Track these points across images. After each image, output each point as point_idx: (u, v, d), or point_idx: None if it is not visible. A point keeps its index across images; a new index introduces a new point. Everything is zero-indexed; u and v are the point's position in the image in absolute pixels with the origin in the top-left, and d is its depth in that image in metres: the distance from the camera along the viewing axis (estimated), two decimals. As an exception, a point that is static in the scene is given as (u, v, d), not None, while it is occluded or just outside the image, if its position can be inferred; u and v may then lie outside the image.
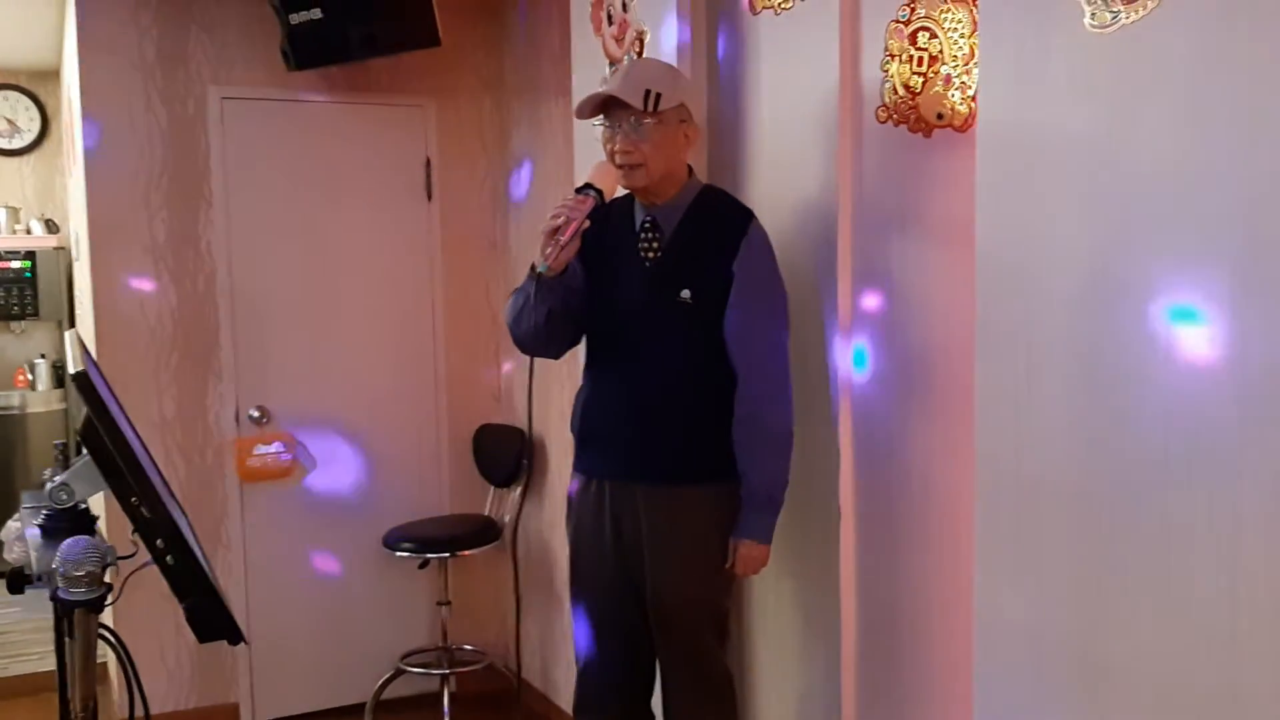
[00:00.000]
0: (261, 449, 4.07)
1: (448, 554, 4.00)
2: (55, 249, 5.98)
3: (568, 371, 3.53)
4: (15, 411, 5.92)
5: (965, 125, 2.14)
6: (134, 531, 1.60)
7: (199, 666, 4.04)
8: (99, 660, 1.68)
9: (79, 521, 1.71)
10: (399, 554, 4.02)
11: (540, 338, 2.50)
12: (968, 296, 2.04)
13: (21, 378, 6.07)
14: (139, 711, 1.75)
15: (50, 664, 1.94)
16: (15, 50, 5.72)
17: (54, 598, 1.57)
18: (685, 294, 2.42)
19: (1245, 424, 1.57)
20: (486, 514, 4.31)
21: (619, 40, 3.04)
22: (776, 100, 2.64)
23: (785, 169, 2.61)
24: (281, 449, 4.10)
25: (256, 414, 4.08)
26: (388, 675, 4.19)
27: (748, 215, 2.47)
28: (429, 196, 4.34)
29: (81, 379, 1.59)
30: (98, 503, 2.59)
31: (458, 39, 4.11)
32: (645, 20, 2.93)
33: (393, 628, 4.29)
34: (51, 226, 6.16)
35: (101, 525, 1.85)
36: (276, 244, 4.10)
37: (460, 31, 4.17)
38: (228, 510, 4.07)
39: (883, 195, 2.36)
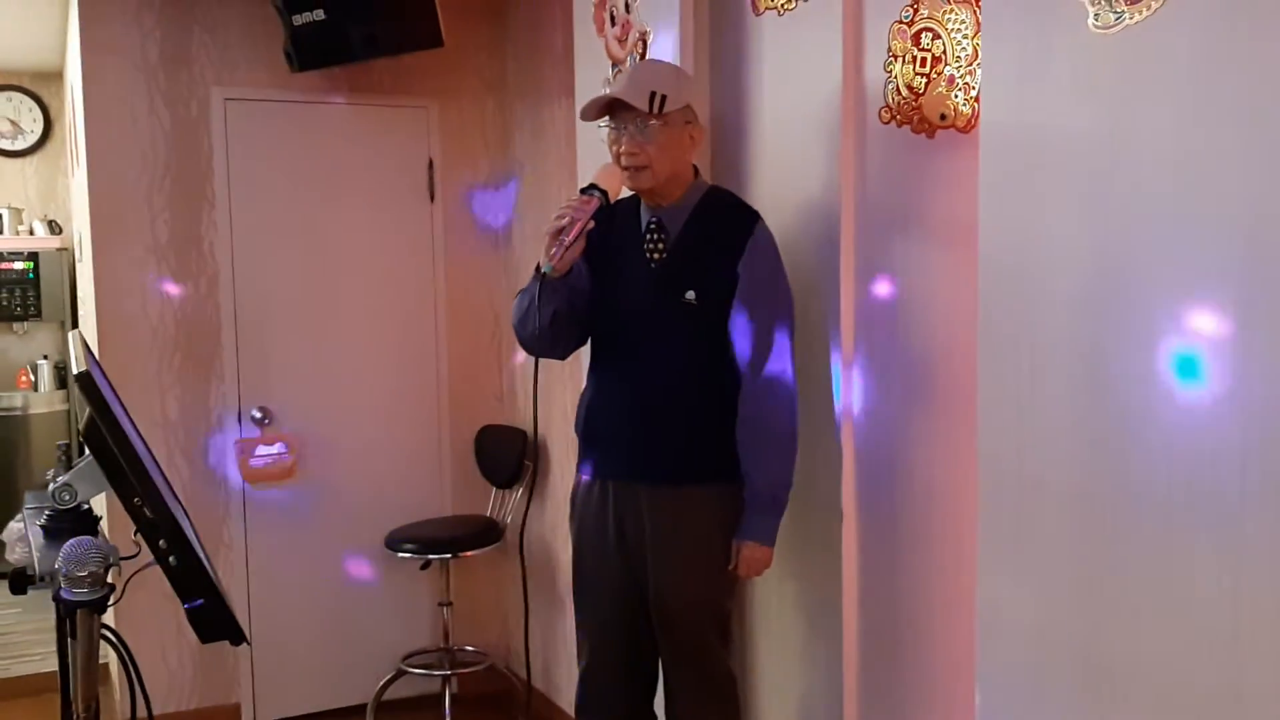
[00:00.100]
0: (264, 450, 4.07)
1: (450, 555, 4.00)
2: (58, 250, 5.99)
3: (569, 372, 3.53)
4: (18, 412, 5.93)
5: (968, 126, 2.14)
6: (136, 532, 1.60)
7: (201, 667, 4.04)
8: (101, 661, 1.68)
9: (81, 522, 1.71)
10: (401, 555, 4.02)
11: (546, 339, 2.50)
12: (970, 297, 2.03)
13: (24, 378, 6.07)
14: (141, 712, 1.75)
15: (52, 664, 1.95)
16: (18, 51, 5.73)
17: (56, 598, 1.57)
18: (690, 295, 2.42)
19: (1247, 425, 1.56)
20: (488, 515, 4.31)
21: (622, 41, 3.04)
22: (779, 101, 2.64)
23: (788, 169, 2.61)
24: (283, 450, 4.10)
25: (259, 415, 4.08)
26: (389, 676, 4.19)
27: (754, 217, 2.47)
28: (431, 198, 4.34)
29: (85, 379, 1.59)
30: (100, 503, 2.59)
31: (460, 40, 4.11)
32: (648, 21, 2.92)
33: (394, 628, 4.29)
34: (54, 228, 6.17)
35: (104, 526, 1.85)
36: (279, 245, 4.10)
37: (463, 32, 4.17)
38: (230, 511, 4.07)
39: (886, 196, 2.35)
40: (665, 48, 2.84)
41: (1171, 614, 1.68)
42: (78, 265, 5.43)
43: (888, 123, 2.32)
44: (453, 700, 4.06)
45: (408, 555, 4.01)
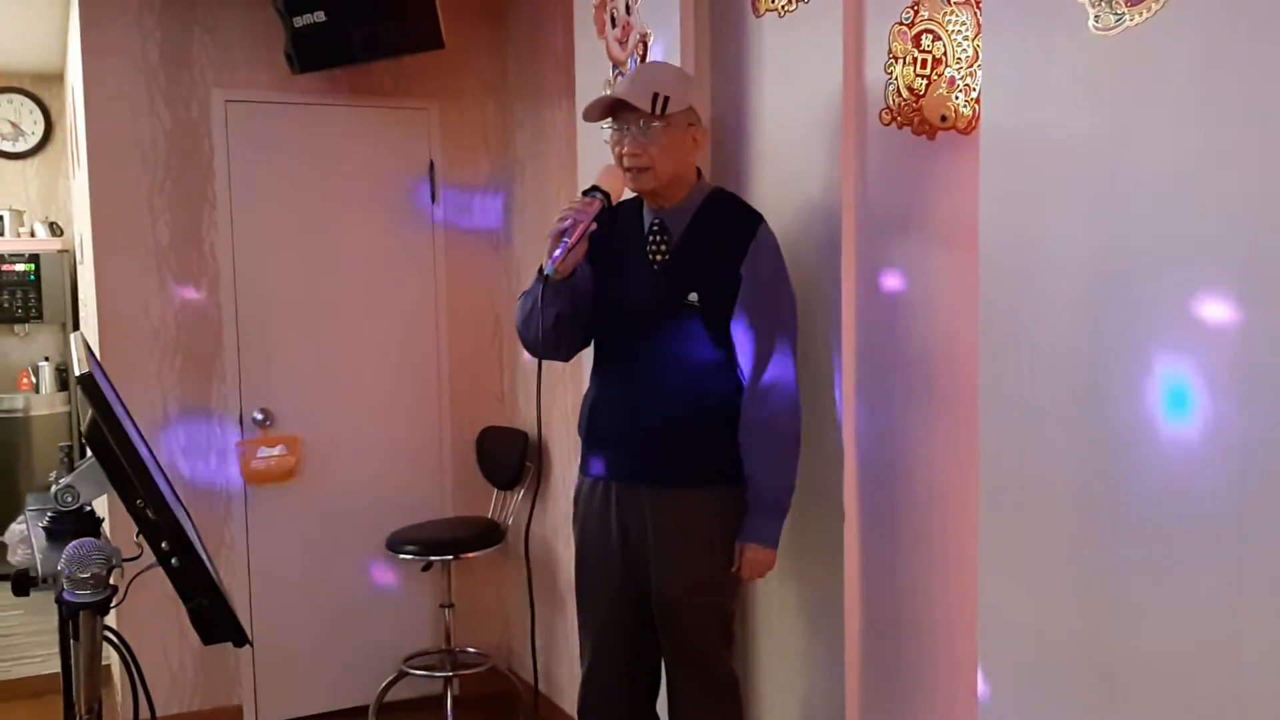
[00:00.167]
0: (265, 451, 4.08)
1: (451, 556, 4.00)
2: (59, 252, 5.99)
3: (570, 373, 3.53)
4: (19, 414, 5.93)
5: (969, 128, 2.14)
6: (139, 533, 1.60)
7: (203, 668, 4.04)
8: (103, 662, 1.68)
9: (84, 523, 1.72)
10: (402, 556, 4.02)
11: (549, 341, 2.50)
12: (971, 298, 2.04)
13: (26, 380, 6.07)
14: (143, 713, 1.75)
15: (54, 666, 1.95)
16: (19, 53, 5.73)
17: (59, 600, 1.57)
18: (693, 297, 2.42)
19: (1248, 426, 1.57)
20: (490, 517, 4.32)
21: (622, 43, 3.04)
22: (780, 102, 2.64)
23: (789, 171, 2.61)
24: (285, 451, 4.11)
25: (260, 416, 4.08)
26: (391, 677, 4.18)
27: (757, 219, 2.47)
28: (432, 199, 4.34)
29: (87, 381, 1.60)
30: (102, 505, 2.59)
31: (461, 41, 4.11)
32: (649, 23, 2.93)
33: (396, 630, 4.29)
34: (55, 229, 6.17)
35: (106, 527, 1.85)
36: (280, 246, 4.10)
37: (464, 34, 4.17)
38: (231, 512, 4.07)
39: (886, 197, 2.36)
40: (666, 49, 2.84)
41: (1172, 614, 1.68)
42: (79, 267, 5.43)
43: (888, 124, 2.32)
44: (454, 702, 4.06)
45: (409, 557, 4.01)
